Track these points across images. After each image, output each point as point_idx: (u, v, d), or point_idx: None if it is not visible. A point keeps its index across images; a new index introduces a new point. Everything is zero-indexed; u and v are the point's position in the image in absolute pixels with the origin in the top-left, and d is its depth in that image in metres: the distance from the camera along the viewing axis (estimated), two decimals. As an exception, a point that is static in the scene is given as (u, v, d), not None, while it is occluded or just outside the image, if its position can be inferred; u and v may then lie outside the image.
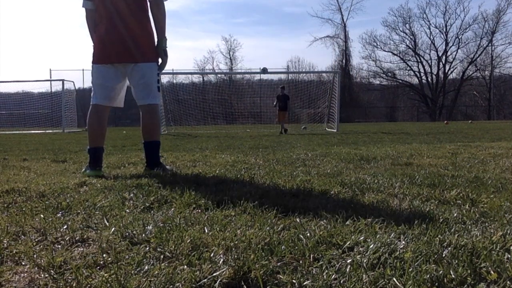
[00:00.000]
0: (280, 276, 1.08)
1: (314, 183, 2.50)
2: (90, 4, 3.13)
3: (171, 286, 1.04)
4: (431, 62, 49.35)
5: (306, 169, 3.23)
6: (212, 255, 1.23)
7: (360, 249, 1.27)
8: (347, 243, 1.31)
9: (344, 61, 48.09)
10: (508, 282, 1.03)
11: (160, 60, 3.26)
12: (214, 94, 26.96)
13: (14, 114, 25.65)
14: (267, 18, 76.21)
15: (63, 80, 20.91)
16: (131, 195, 2.17)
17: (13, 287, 1.08)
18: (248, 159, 4.13)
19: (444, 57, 48.77)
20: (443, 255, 1.19)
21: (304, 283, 1.04)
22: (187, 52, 72.51)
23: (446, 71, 48.94)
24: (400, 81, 50.49)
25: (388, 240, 1.33)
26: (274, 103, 14.28)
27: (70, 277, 1.10)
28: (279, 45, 74.49)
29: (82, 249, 1.35)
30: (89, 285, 1.05)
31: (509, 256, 1.18)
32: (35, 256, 1.26)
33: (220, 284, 1.05)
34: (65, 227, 1.57)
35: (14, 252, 1.31)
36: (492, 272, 1.07)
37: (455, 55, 48.87)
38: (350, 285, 1.03)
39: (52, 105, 23.94)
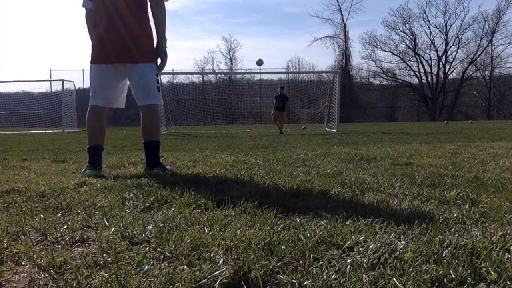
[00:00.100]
0: (280, 276, 1.08)
1: (314, 183, 2.50)
2: (90, 4, 3.13)
3: (171, 286, 1.04)
4: (431, 62, 49.38)
5: (306, 169, 3.23)
6: (212, 255, 1.23)
7: (360, 249, 1.27)
8: (347, 243, 1.31)
9: (344, 61, 48.09)
10: (508, 282, 1.03)
11: (159, 61, 3.26)
12: (214, 94, 26.95)
13: (14, 114, 25.64)
14: (267, 18, 76.24)
15: (63, 80, 20.91)
16: (131, 195, 2.17)
17: (13, 287, 1.08)
18: (248, 159, 4.13)
19: (444, 57, 48.80)
20: (443, 255, 1.19)
21: (304, 283, 1.04)
22: (187, 52, 72.55)
23: (446, 71, 48.97)
24: (400, 81, 50.50)
25: (388, 240, 1.33)
26: (274, 105, 14.19)
27: (70, 277, 1.10)
28: (279, 45, 74.52)
29: (82, 249, 1.35)
30: (89, 285, 1.05)
31: (509, 256, 1.18)
32: (35, 256, 1.26)
33: (220, 284, 1.05)
34: (65, 227, 1.57)
35: (14, 252, 1.31)
36: (492, 272, 1.07)
37: (455, 55, 48.91)
38: (350, 285, 1.03)
39: (52, 105, 23.94)
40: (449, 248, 1.24)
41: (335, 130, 15.04)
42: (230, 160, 4.09)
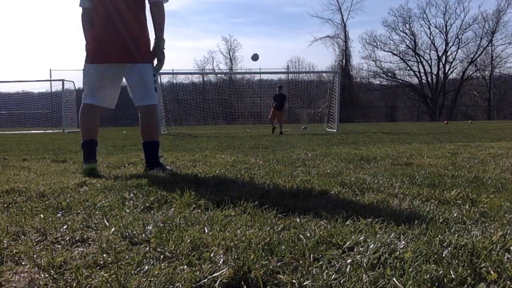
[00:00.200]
0: (280, 276, 1.08)
1: (314, 183, 2.50)
2: (88, 3, 3.12)
3: (171, 286, 1.04)
4: (431, 62, 49.41)
5: (306, 169, 3.23)
6: (212, 255, 1.23)
7: (360, 249, 1.27)
8: (347, 243, 1.31)
9: (344, 61, 48.10)
10: (508, 282, 1.03)
11: (156, 61, 3.26)
12: (214, 94, 26.94)
13: (14, 114, 25.64)
14: (267, 18, 76.27)
15: (63, 80, 20.91)
16: (131, 195, 2.17)
17: (13, 287, 1.08)
18: (248, 159, 4.13)
19: (444, 57, 48.82)
20: (443, 255, 1.19)
21: (304, 283, 1.04)
22: (187, 52, 72.60)
23: (446, 71, 49.00)
24: (400, 81, 50.52)
25: (388, 240, 1.33)
26: (271, 104, 14.15)
27: (70, 277, 1.10)
28: (279, 45, 74.55)
29: (82, 249, 1.35)
30: (89, 285, 1.05)
31: (509, 256, 1.18)
32: (35, 256, 1.26)
33: (220, 284, 1.05)
34: (65, 227, 1.57)
35: (14, 252, 1.31)
36: (492, 272, 1.07)
37: (455, 55, 48.93)
38: (350, 285, 1.03)
39: (52, 105, 23.94)
40: (449, 248, 1.24)
41: (335, 130, 15.04)
42: (230, 160, 4.09)
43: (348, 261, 1.16)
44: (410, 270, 1.08)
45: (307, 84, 23.33)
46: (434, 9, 73.24)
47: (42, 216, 1.73)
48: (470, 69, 48.13)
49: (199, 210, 1.85)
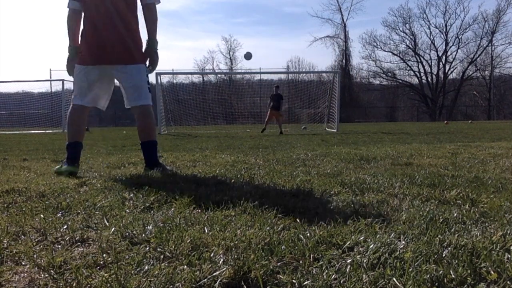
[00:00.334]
0: (280, 276, 1.08)
1: (314, 183, 2.50)
2: (77, 4, 3.09)
3: (171, 286, 1.04)
4: (431, 62, 49.45)
5: (306, 169, 3.23)
6: (212, 255, 1.23)
7: (360, 249, 1.27)
8: (347, 243, 1.31)
9: (344, 61, 48.14)
10: (508, 282, 1.03)
11: (148, 62, 3.25)
12: (214, 94, 26.94)
13: (14, 114, 25.66)
14: (267, 18, 76.32)
15: (63, 80, 20.92)
16: (131, 195, 2.17)
17: (13, 287, 1.08)
18: (248, 159, 4.13)
19: (444, 57, 48.86)
20: (443, 255, 1.19)
21: (304, 283, 1.04)
22: (187, 52, 72.66)
23: (446, 71, 49.03)
24: (400, 81, 50.54)
25: (388, 240, 1.33)
26: (268, 104, 14.12)
27: (70, 277, 1.10)
28: (279, 45, 74.58)
29: (82, 249, 1.35)
30: (89, 285, 1.05)
31: (509, 256, 1.18)
32: (35, 256, 1.26)
33: (220, 284, 1.05)
34: (65, 227, 1.57)
35: (14, 252, 1.31)
36: (492, 272, 1.07)
37: (455, 55, 48.98)
38: (350, 285, 1.03)
39: (52, 105, 23.96)
40: (449, 248, 1.24)
41: (335, 130, 15.04)
42: (230, 160, 4.09)
43: (348, 261, 1.16)
44: (410, 270, 1.08)
45: (307, 84, 23.33)
46: (434, 9, 73.38)
47: (42, 216, 1.73)
48: (470, 69, 48.21)
49: (199, 210, 1.85)
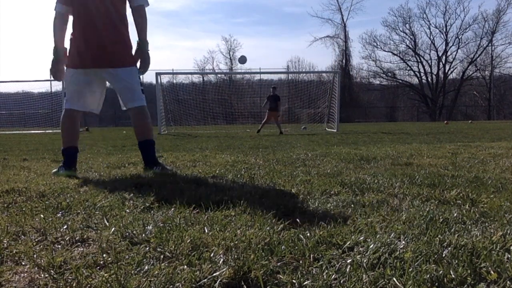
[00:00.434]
0: (280, 276, 1.08)
1: (314, 183, 2.50)
2: (64, 8, 3.06)
3: (171, 286, 1.04)
4: (431, 62, 49.44)
5: (306, 169, 3.23)
6: (212, 255, 1.23)
7: (360, 249, 1.27)
8: (347, 243, 1.31)
9: (344, 61, 48.13)
10: (508, 282, 1.03)
11: (139, 63, 3.25)
12: (214, 94, 26.95)
13: (14, 114, 25.65)
14: (267, 18, 76.35)
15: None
16: (131, 195, 2.17)
17: (13, 287, 1.08)
18: (248, 159, 4.13)
19: (444, 57, 48.85)
20: (443, 255, 1.19)
21: (304, 283, 1.04)
22: (187, 52, 72.68)
23: (446, 71, 49.03)
24: (400, 81, 50.54)
25: (388, 240, 1.33)
26: (263, 104, 14.11)
27: (70, 277, 1.10)
28: (279, 45, 74.59)
29: (82, 249, 1.35)
30: (89, 285, 1.05)
31: (509, 256, 1.18)
32: (35, 256, 1.26)
33: (220, 284, 1.05)
34: (65, 227, 1.57)
35: (14, 252, 1.31)
36: (492, 272, 1.07)
37: (455, 55, 48.97)
38: (350, 285, 1.03)
39: (52, 105, 23.93)
40: (449, 248, 1.24)
41: (335, 130, 15.04)
42: (230, 160, 4.09)
43: (348, 261, 1.16)
44: (410, 270, 1.08)
45: (307, 84, 23.33)
46: (434, 9, 73.34)
47: (42, 216, 1.73)
48: (470, 69, 48.20)
49: (199, 210, 1.85)
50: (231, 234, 1.42)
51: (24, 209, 1.90)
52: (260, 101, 27.28)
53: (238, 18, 74.83)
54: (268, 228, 1.49)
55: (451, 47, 48.50)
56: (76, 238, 1.44)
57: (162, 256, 1.24)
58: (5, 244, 1.38)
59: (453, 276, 1.05)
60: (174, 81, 28.26)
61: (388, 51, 49.73)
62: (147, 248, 1.31)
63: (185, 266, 1.15)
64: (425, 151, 4.79)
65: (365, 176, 2.74)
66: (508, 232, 1.40)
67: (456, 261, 1.14)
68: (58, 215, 1.79)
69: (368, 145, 6.19)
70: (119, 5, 3.10)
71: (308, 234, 1.41)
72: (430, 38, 50.50)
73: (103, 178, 2.86)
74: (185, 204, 1.94)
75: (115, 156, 4.83)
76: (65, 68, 3.17)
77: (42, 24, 73.51)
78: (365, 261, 1.16)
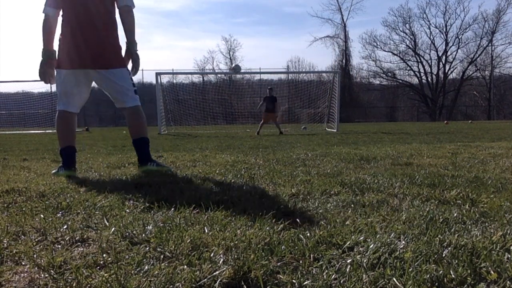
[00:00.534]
0: (280, 276, 1.08)
1: (314, 183, 2.50)
2: (53, 11, 3.06)
3: (171, 286, 1.04)
4: (431, 62, 49.41)
5: (306, 169, 3.23)
6: (212, 255, 1.23)
7: (360, 249, 1.27)
8: (347, 243, 1.31)
9: (344, 61, 48.11)
10: (508, 282, 1.03)
11: (130, 64, 3.25)
12: (214, 94, 26.96)
13: (14, 114, 25.66)
14: (267, 18, 76.37)
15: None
16: (131, 195, 2.17)
17: (13, 287, 1.08)
18: (248, 159, 4.13)
19: (444, 57, 48.82)
20: (443, 255, 1.19)
21: (304, 283, 1.04)
22: (187, 52, 72.70)
23: (446, 71, 49.00)
24: (400, 81, 50.52)
25: (388, 240, 1.33)
26: (258, 106, 14.01)
27: (70, 277, 1.10)
28: (279, 45, 74.60)
29: (82, 249, 1.35)
30: (89, 285, 1.05)
31: (509, 256, 1.18)
32: (35, 256, 1.27)
33: (220, 284, 1.05)
34: (65, 227, 1.57)
35: (14, 252, 1.31)
36: (492, 272, 1.07)
37: (455, 55, 48.94)
38: (350, 285, 1.03)
39: (52, 105, 23.90)
40: (449, 248, 1.24)
41: (335, 130, 15.04)
42: (230, 160, 4.09)
43: (348, 261, 1.16)
44: (410, 270, 1.08)
45: (307, 84, 23.34)
46: (434, 9, 73.29)
47: (42, 216, 1.73)
48: (470, 69, 48.18)
49: (199, 210, 1.85)
50: (231, 234, 1.42)
51: (24, 209, 1.90)
52: (260, 101, 27.31)
53: (238, 18, 74.90)
54: (268, 228, 1.49)
55: (451, 47, 48.54)
56: (76, 238, 1.44)
57: (162, 256, 1.24)
58: (5, 244, 1.38)
59: (453, 276, 1.05)
60: (174, 81, 28.26)
61: (388, 51, 49.75)
62: (147, 248, 1.31)
63: (185, 266, 1.15)
64: (425, 151, 4.79)
65: (365, 176, 2.74)
66: (508, 232, 1.40)
67: (456, 261, 1.14)
68: (58, 215, 1.79)
69: (368, 145, 6.19)
70: (108, 7, 3.10)
71: (308, 234, 1.41)
72: (430, 38, 50.56)
73: (103, 178, 2.86)
74: (185, 204, 1.94)
75: (115, 156, 4.83)
76: (55, 71, 3.16)
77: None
78: (365, 261, 1.16)
